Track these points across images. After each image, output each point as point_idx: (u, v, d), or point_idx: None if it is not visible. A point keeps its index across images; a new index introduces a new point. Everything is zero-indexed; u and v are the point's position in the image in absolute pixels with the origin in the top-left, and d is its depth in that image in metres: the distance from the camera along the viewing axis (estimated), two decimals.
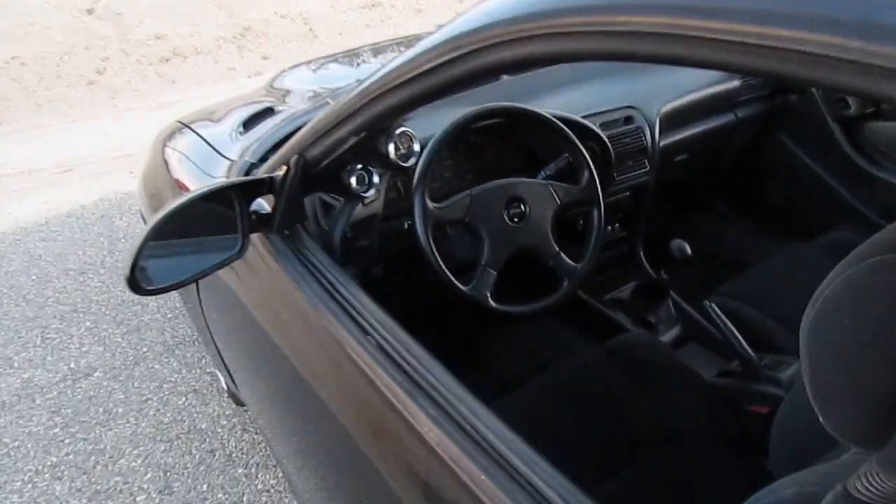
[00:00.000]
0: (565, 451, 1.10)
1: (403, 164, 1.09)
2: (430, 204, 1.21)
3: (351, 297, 0.94)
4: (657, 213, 1.84)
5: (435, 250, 1.19)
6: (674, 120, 1.74)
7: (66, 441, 2.12)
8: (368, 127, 0.94)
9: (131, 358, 2.48)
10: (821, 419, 0.52)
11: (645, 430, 1.18)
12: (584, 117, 1.51)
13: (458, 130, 1.23)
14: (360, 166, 1.14)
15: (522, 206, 1.29)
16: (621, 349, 1.36)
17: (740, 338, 1.33)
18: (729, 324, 1.35)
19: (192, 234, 1.08)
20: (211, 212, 1.07)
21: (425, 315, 1.82)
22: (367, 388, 0.85)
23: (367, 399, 0.86)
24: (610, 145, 1.53)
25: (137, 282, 0.96)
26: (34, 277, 2.98)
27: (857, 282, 0.48)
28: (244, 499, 1.85)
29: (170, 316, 2.70)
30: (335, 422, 0.95)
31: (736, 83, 1.85)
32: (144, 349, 2.52)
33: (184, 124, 1.84)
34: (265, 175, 1.09)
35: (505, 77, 1.68)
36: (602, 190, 1.52)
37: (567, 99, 1.59)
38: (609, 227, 1.75)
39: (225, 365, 1.64)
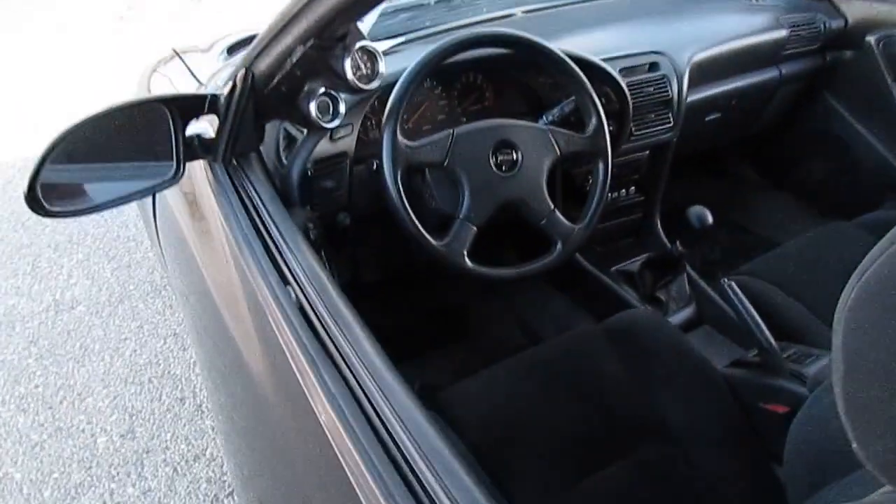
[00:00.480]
0: (546, 437, 0.98)
1: (363, 87, 0.90)
2: (403, 141, 1.02)
3: (281, 239, 0.77)
4: (679, 179, 1.64)
5: (403, 195, 1.01)
6: (707, 71, 1.52)
7: (38, 373, 2.04)
8: (315, 32, 0.76)
9: (117, 295, 2.38)
10: (852, 442, 0.39)
11: (641, 421, 1.04)
12: (603, 60, 1.31)
13: (445, 55, 1.04)
14: (322, 91, 0.96)
15: (514, 153, 1.10)
16: (623, 327, 1.19)
17: (761, 323, 1.15)
18: (749, 305, 1.17)
19: (123, 156, 0.92)
20: (145, 133, 0.91)
21: (402, 275, 1.72)
22: (277, 345, 0.70)
23: (275, 358, 0.71)
24: (628, 94, 1.33)
25: (39, 200, 0.81)
26: None
27: None
28: (207, 452, 1.74)
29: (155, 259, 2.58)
30: (249, 375, 0.81)
31: (783, 32, 1.62)
32: (131, 287, 2.42)
33: (176, 52, 1.73)
34: (207, 92, 0.92)
35: (518, 13, 1.48)
36: (616, 146, 1.33)
37: (586, 40, 1.39)
38: (623, 190, 1.56)
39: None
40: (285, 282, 0.72)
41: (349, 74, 0.87)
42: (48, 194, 0.83)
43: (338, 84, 0.90)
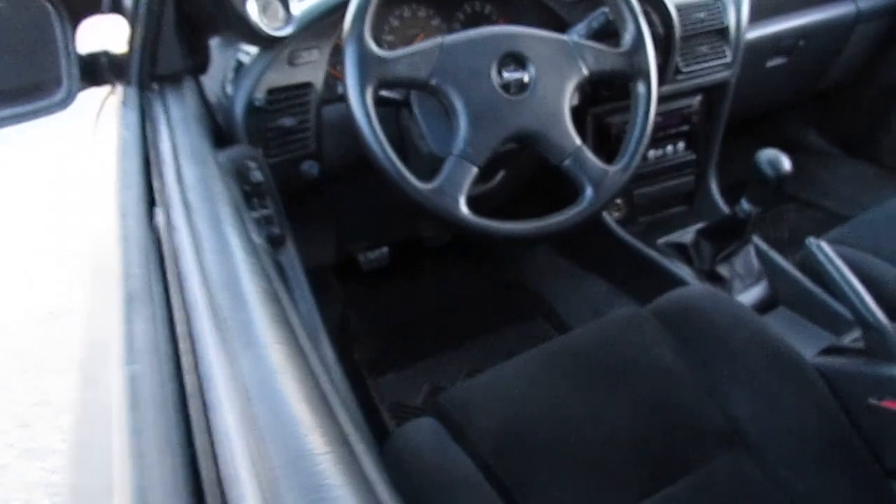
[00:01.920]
0: (579, 449, 0.78)
1: (273, 34, 0.67)
2: (375, 50, 0.77)
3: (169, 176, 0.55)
4: (731, 148, 1.37)
5: (373, 119, 0.76)
6: (771, 1, 1.25)
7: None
8: None
9: None
10: None
11: (709, 427, 0.80)
12: None
13: None
14: None
15: (525, 71, 0.84)
16: (677, 308, 0.94)
17: (865, 295, 0.87)
18: (848, 272, 0.88)
19: None
20: (25, 35, 0.68)
21: (415, 254, 1.52)
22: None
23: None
24: (676, 15, 1.06)
25: None
26: None
27: None
28: None
29: None
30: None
31: None
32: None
33: None
34: None
35: None
36: (660, 83, 1.07)
37: None
38: (670, 147, 1.28)
39: None
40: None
41: (253, 16, 0.64)
42: None
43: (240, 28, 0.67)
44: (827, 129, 1.86)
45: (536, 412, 0.82)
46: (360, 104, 0.76)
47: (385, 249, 1.43)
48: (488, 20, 1.10)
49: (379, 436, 0.79)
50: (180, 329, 0.46)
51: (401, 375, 1.37)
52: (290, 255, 0.81)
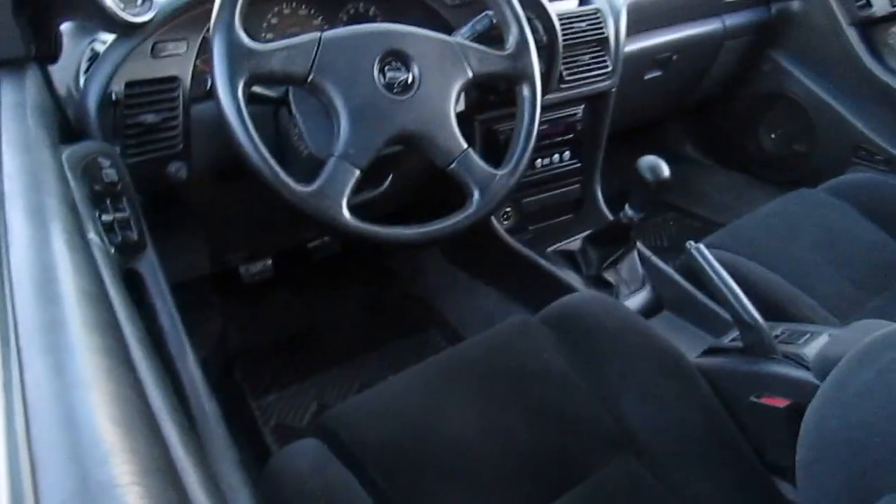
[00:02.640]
0: (473, 460, 0.75)
1: (131, 20, 0.60)
2: (247, 41, 0.71)
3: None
4: (613, 158, 1.41)
5: (245, 116, 0.70)
6: (644, 15, 1.35)
7: None
8: None
9: None
10: None
11: (599, 432, 0.81)
12: None
13: None
14: None
15: (409, 69, 0.80)
16: (566, 314, 0.93)
17: (742, 295, 0.90)
18: (725, 274, 0.91)
19: None
20: None
21: (299, 265, 1.45)
22: None
23: None
24: (557, 23, 1.07)
25: None
26: None
27: None
28: None
29: None
30: None
31: None
32: None
33: None
34: None
35: None
36: (545, 91, 1.08)
37: None
38: (556, 155, 1.30)
39: None
40: None
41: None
42: None
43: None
44: (701, 141, 1.96)
45: (426, 426, 0.78)
46: (230, 99, 0.69)
47: (269, 262, 1.35)
48: (372, 21, 1.06)
49: (261, 460, 0.73)
50: None
51: (286, 395, 1.29)
52: (151, 263, 0.73)
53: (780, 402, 0.85)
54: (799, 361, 0.87)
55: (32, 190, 0.48)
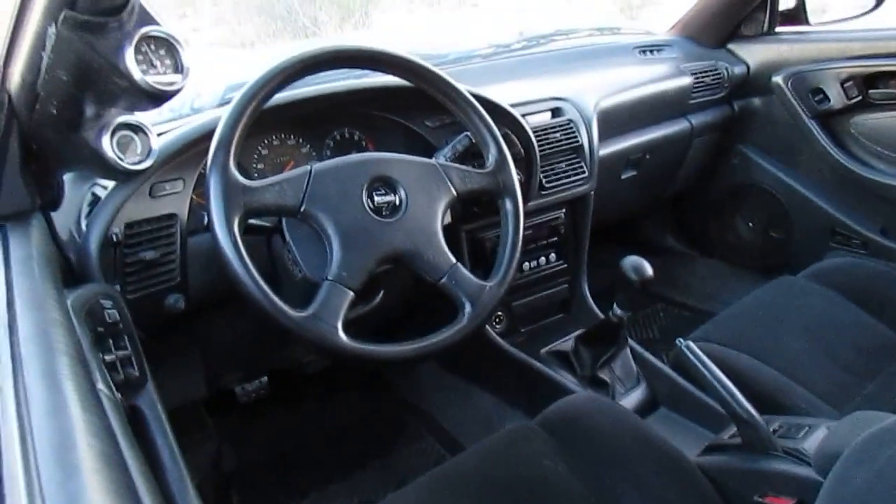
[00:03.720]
0: None
1: (165, 88, 0.63)
2: (241, 179, 0.75)
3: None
4: (600, 255, 1.45)
5: (240, 248, 0.72)
6: (615, 121, 1.40)
7: None
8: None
9: None
10: None
11: None
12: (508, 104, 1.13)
13: (297, 68, 0.80)
14: (120, 120, 0.69)
15: (395, 193, 0.84)
16: (563, 417, 0.94)
17: (736, 391, 0.90)
18: (717, 370, 0.92)
19: None
20: None
21: (293, 384, 1.46)
22: None
23: None
24: (533, 136, 1.13)
25: None
26: None
27: None
28: None
29: None
30: None
31: (687, 80, 1.54)
32: None
33: None
34: None
35: None
36: (527, 199, 1.14)
37: (480, 91, 1.20)
38: (543, 258, 1.33)
39: None
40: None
41: (135, 73, 0.60)
42: None
43: (130, 95, 0.62)
44: (681, 232, 2.01)
45: None
46: (226, 235, 0.72)
47: (265, 379, 1.34)
48: (357, 145, 1.11)
49: None
50: None
51: None
52: (151, 399, 0.73)
53: (787, 502, 0.84)
54: (800, 457, 0.87)
55: (46, 351, 0.50)
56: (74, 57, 0.59)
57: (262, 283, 0.73)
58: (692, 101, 1.57)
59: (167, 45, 0.64)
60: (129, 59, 0.59)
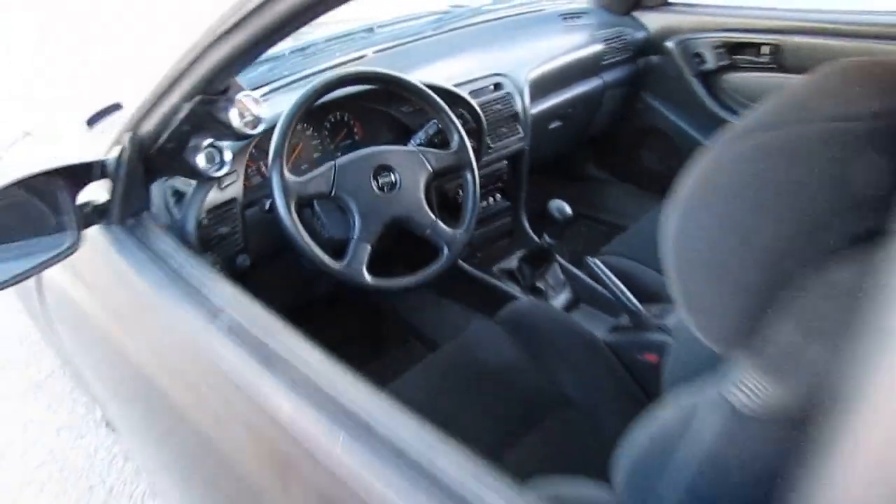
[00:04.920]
0: (462, 429, 1.05)
1: (249, 132, 0.98)
2: (291, 177, 1.11)
3: (199, 280, 0.83)
4: (538, 185, 1.84)
5: (299, 226, 1.10)
6: (543, 86, 1.74)
7: None
8: (201, 89, 0.84)
9: None
10: (692, 327, 0.48)
11: (545, 396, 1.14)
12: (454, 86, 1.47)
13: (317, 96, 1.14)
14: (207, 143, 1.03)
15: (392, 175, 1.22)
16: (513, 317, 1.31)
17: (626, 291, 1.33)
18: (613, 277, 1.35)
19: (12, 235, 0.93)
20: (34, 207, 0.93)
21: (308, 310, 1.76)
22: (218, 375, 0.75)
23: (220, 389, 0.76)
24: (481, 112, 1.50)
25: None
26: None
27: (726, 163, 0.44)
28: None
29: (35, 349, 2.44)
30: (184, 419, 0.85)
31: (599, 46, 1.88)
32: (4, 389, 2.26)
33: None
34: (95, 159, 0.96)
35: (370, 53, 1.61)
36: (478, 158, 1.49)
37: (435, 70, 1.54)
38: (491, 199, 1.72)
39: (86, 384, 1.47)
40: (214, 314, 0.78)
41: (235, 122, 0.95)
42: None
43: (224, 133, 0.97)
44: (600, 163, 2.38)
45: (432, 409, 1.14)
46: (287, 217, 1.09)
47: None
48: (348, 126, 1.46)
49: None
50: None
51: None
52: None
53: (654, 358, 1.26)
54: (665, 330, 1.31)
55: (221, 285, 0.84)
56: (196, 118, 0.93)
57: (315, 247, 1.11)
58: (604, 63, 1.91)
59: (251, 101, 0.99)
60: (234, 116, 0.94)
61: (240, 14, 0.70)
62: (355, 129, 1.46)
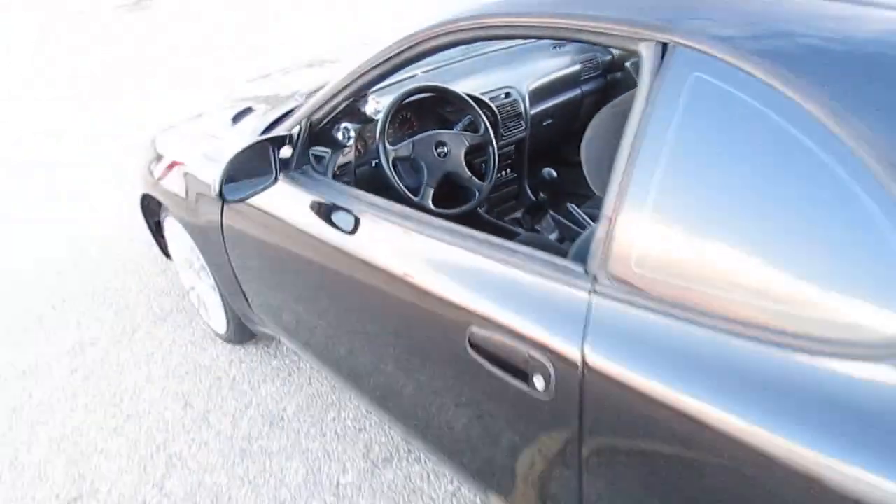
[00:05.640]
0: None
1: (375, 117, 1.76)
2: (390, 147, 1.90)
3: (340, 197, 1.60)
4: (536, 165, 2.62)
5: (395, 174, 1.88)
6: (539, 94, 2.52)
7: (89, 389, 2.62)
8: (356, 94, 1.62)
9: (129, 328, 2.98)
10: (593, 188, 1.26)
11: None
12: (480, 94, 2.26)
13: (403, 97, 1.93)
14: (343, 125, 1.82)
15: (445, 147, 2.00)
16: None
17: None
18: (587, 218, 2.12)
19: (248, 173, 1.70)
20: (256, 158, 1.71)
21: None
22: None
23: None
24: (497, 111, 2.28)
25: (223, 195, 1.59)
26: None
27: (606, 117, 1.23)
28: (253, 401, 2.44)
29: (153, 295, 3.21)
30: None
31: (578, 66, 2.66)
32: (138, 320, 3.03)
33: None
34: (286, 133, 1.74)
35: (419, 73, 2.39)
36: (494, 143, 2.28)
37: (467, 83, 2.32)
38: (503, 172, 2.50)
39: (246, 298, 2.21)
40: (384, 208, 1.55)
41: (370, 111, 1.73)
42: (225, 190, 1.62)
43: (360, 118, 1.75)
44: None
45: None
46: (388, 167, 1.87)
47: None
48: (409, 122, 2.23)
49: None
50: None
51: None
52: None
53: None
54: None
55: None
56: (347, 109, 1.71)
57: (402, 187, 1.88)
58: (582, 78, 2.67)
59: (374, 99, 1.77)
60: (369, 108, 1.72)
61: (382, 58, 1.46)
62: (414, 122, 2.24)
